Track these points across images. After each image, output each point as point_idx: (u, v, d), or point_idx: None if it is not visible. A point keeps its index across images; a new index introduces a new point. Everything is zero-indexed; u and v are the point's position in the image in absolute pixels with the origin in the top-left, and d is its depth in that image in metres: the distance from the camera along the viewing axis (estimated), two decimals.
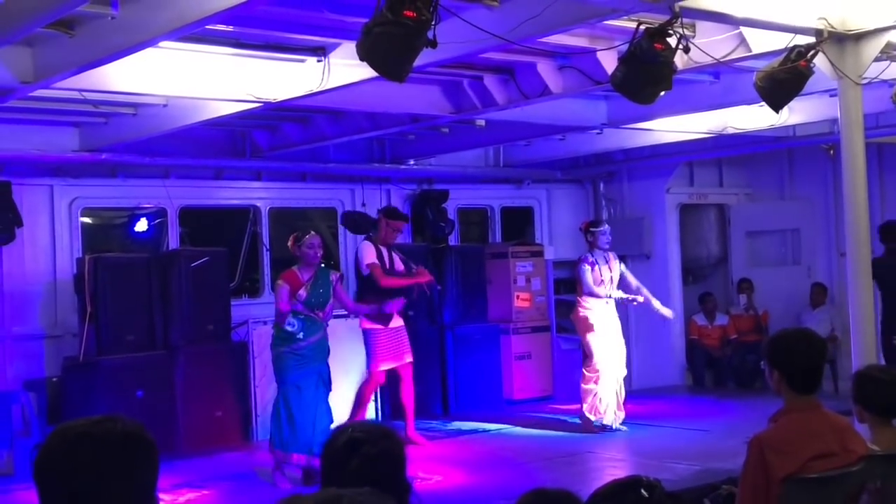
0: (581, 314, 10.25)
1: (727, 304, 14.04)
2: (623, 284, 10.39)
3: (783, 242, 14.08)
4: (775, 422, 4.22)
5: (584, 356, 10.31)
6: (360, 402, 9.53)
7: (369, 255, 9.56)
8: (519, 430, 10.66)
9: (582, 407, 10.22)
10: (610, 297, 10.19)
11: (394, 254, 9.80)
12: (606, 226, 10.46)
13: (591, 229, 10.36)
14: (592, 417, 10.15)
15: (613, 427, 10.17)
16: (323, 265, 8.81)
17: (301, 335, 8.49)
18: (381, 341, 9.49)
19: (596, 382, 10.11)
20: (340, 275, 9.19)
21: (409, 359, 9.68)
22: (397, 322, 9.63)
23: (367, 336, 9.53)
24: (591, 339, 10.15)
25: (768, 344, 4.41)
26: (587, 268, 10.13)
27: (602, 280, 10.17)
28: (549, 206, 14.12)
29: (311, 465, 8.27)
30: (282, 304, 8.44)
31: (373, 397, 9.74)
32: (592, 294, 10.12)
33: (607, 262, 10.28)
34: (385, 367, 9.53)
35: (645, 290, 10.40)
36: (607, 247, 10.29)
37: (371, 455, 2.75)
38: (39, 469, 2.18)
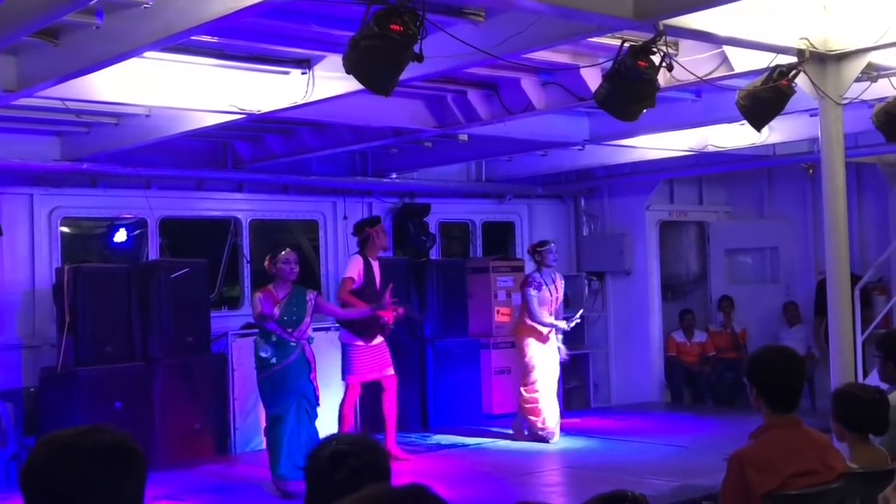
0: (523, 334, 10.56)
1: (706, 321, 14.09)
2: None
3: (762, 260, 14.17)
4: (755, 438, 4.24)
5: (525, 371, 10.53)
6: (343, 418, 9.45)
7: (351, 268, 9.56)
8: (498, 444, 10.66)
9: (530, 418, 10.49)
10: (553, 327, 10.45)
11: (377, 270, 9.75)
12: (553, 244, 10.75)
13: (539, 249, 10.68)
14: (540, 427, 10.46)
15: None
16: (298, 284, 8.78)
17: (274, 360, 8.46)
18: (360, 356, 9.42)
19: (537, 392, 10.39)
20: (318, 293, 9.14)
21: (390, 371, 9.60)
22: (379, 339, 9.54)
23: (346, 350, 9.47)
24: (531, 352, 10.42)
25: (749, 361, 4.44)
26: (534, 293, 10.41)
27: (549, 300, 10.47)
28: (531, 222, 14.15)
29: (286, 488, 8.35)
30: (264, 308, 8.34)
31: (354, 410, 9.66)
32: (537, 321, 10.40)
33: (553, 281, 10.58)
34: (363, 380, 9.49)
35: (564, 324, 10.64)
36: (554, 264, 10.66)
37: (356, 468, 2.71)
38: (26, 479, 2.15)
